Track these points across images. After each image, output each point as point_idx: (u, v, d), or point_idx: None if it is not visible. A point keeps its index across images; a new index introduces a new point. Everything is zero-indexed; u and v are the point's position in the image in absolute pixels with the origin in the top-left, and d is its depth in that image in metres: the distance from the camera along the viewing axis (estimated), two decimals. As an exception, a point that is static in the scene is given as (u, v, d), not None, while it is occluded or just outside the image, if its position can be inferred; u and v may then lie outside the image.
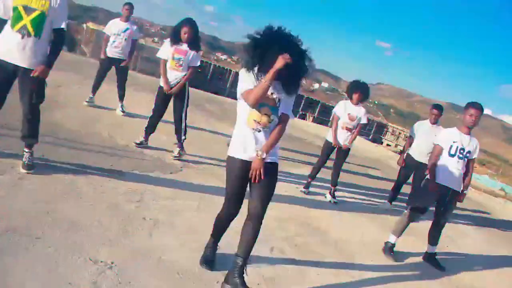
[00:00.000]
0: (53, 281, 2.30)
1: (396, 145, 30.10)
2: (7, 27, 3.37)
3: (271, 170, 2.82)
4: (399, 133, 32.14)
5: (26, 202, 3.04)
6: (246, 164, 2.78)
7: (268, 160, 2.79)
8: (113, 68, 6.73)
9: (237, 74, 21.12)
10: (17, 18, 3.32)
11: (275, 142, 2.80)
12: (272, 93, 2.76)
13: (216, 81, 28.58)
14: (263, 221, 2.81)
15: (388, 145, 29.68)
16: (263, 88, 2.65)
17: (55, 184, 3.46)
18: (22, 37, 3.34)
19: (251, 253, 2.83)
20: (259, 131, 2.77)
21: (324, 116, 25.22)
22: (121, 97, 6.77)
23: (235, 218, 2.91)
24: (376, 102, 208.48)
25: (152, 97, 5.94)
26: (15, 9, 3.32)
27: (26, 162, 3.52)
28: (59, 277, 2.35)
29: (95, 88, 6.66)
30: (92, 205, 3.32)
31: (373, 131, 31.47)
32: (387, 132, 32.26)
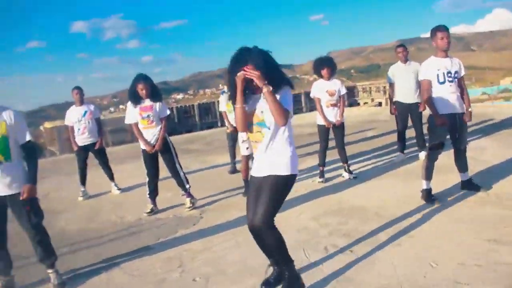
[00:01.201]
0: None
1: (372, 100, 30.42)
2: None
3: (271, 181, 2.73)
4: (369, 88, 32.51)
5: (77, 320, 2.88)
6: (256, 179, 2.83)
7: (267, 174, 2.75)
8: (91, 153, 6.58)
9: (199, 105, 21.20)
10: (-18, 151, 3.17)
11: (276, 105, 2.57)
12: (262, 112, 2.71)
13: (185, 120, 28.52)
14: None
15: (365, 103, 29.95)
16: (237, 114, 2.70)
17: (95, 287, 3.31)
18: (-5, 167, 3.18)
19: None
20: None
21: (299, 106, 25.23)
22: (111, 177, 6.62)
23: None
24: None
25: (137, 163, 5.79)
26: (-25, 143, 3.16)
27: (56, 282, 3.35)
28: None
29: (83, 179, 6.48)
30: (140, 291, 3.17)
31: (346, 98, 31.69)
32: (359, 92, 32.53)
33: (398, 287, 2.80)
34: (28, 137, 3.31)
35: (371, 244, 3.54)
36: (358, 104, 29.62)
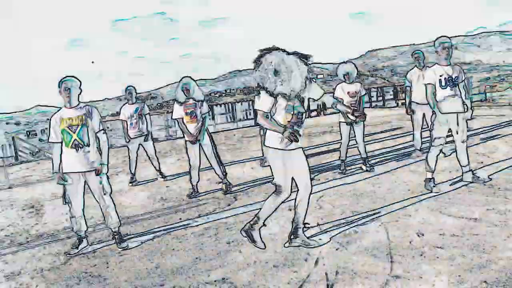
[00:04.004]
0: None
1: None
2: (63, 147, 4.20)
3: None
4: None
5: (136, 263, 3.80)
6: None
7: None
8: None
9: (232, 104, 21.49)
10: (67, 137, 4.17)
11: None
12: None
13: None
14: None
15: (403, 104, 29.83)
16: (273, 129, 3.62)
17: (150, 247, 4.22)
18: (77, 150, 4.17)
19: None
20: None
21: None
22: (158, 166, 7.57)
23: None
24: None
25: (175, 157, 6.60)
26: (63, 131, 4.17)
27: (119, 242, 4.31)
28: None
29: (133, 168, 7.48)
30: (184, 251, 4.06)
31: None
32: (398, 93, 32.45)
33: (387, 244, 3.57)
34: (101, 127, 4.32)
35: (376, 220, 4.30)
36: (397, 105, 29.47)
